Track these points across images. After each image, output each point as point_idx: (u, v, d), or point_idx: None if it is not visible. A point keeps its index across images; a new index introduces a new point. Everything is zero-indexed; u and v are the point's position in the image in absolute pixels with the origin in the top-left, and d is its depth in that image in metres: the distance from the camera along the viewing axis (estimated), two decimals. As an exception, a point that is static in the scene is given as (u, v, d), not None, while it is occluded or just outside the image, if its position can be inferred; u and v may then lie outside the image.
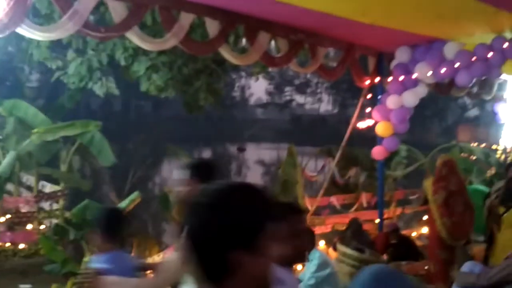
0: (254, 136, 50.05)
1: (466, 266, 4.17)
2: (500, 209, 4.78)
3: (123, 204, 5.12)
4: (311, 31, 5.53)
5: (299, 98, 65.20)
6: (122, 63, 6.39)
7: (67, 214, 6.04)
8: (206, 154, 41.22)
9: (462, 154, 9.05)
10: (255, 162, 35.93)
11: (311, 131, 47.26)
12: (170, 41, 4.38)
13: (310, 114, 64.12)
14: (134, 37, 4.22)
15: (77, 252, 5.70)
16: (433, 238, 5.09)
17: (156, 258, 5.73)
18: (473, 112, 45.89)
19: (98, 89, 6.70)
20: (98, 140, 6.23)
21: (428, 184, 5.08)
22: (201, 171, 3.64)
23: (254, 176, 28.45)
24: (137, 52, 6.30)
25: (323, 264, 4.80)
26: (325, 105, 65.11)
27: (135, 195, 5.09)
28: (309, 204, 7.23)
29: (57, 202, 7.00)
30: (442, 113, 47.50)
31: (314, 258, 4.82)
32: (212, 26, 4.62)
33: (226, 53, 4.77)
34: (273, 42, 5.87)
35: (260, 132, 53.28)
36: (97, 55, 6.46)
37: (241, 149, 42.20)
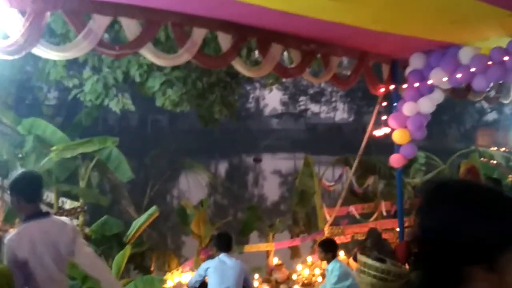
0: (270, 147, 50.06)
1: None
2: None
3: (141, 219, 5.15)
4: (323, 41, 5.52)
5: (314, 107, 65.19)
6: (137, 79, 6.47)
7: (87, 230, 6.09)
8: (223, 166, 41.38)
9: (482, 159, 8.89)
10: (271, 173, 35.91)
11: (327, 140, 47.11)
12: (183, 56, 4.42)
13: (326, 123, 63.98)
14: (148, 54, 4.27)
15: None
16: None
17: (175, 272, 5.74)
18: (491, 116, 45.22)
19: (115, 106, 6.79)
20: (115, 156, 6.30)
21: None
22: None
23: (271, 186, 28.42)
24: (152, 68, 6.38)
25: (344, 275, 4.77)
26: (341, 114, 64.95)
27: (153, 209, 5.12)
28: (328, 214, 7.16)
29: (77, 218, 7.07)
30: (460, 117, 46.87)
31: (334, 269, 4.79)
32: (225, 40, 4.65)
33: (239, 66, 4.79)
34: (285, 53, 5.90)
35: (275, 142, 53.29)
36: (113, 72, 6.56)
37: (258, 160, 42.22)
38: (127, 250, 4.56)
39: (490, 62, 5.35)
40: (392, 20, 4.76)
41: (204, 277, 4.70)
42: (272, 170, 36.35)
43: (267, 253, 6.50)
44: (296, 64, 5.33)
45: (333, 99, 63.10)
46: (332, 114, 65.27)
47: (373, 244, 6.00)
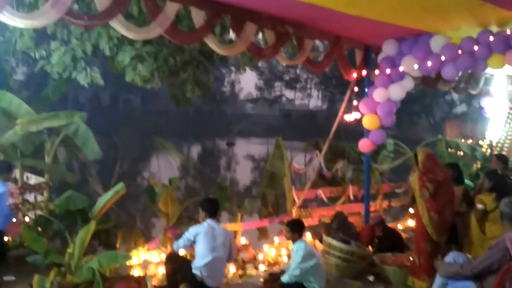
0: (244, 131, 49.98)
1: (450, 257, 4.20)
2: (489, 203, 4.82)
3: (107, 195, 5.07)
4: (298, 23, 5.52)
5: (289, 94, 65.27)
6: (107, 53, 6.31)
7: (51, 206, 5.97)
8: (196, 148, 41.15)
9: (449, 150, 9.11)
10: (244, 157, 35.90)
11: (300, 126, 47.34)
12: (155, 30, 4.34)
13: (300, 109, 64.26)
14: (118, 26, 4.17)
15: (63, 243, 5.66)
16: (419, 232, 5.11)
17: (141, 249, 5.71)
18: (460, 108, 46.37)
19: (83, 79, 6.61)
20: (83, 132, 6.14)
21: (413, 179, 5.06)
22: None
23: (244, 171, 28.45)
24: (122, 41, 6.23)
25: (309, 255, 4.82)
26: (315, 101, 65.28)
27: (119, 186, 5.04)
28: (297, 196, 7.23)
29: (42, 194, 6.91)
30: (430, 109, 47.87)
31: (299, 249, 4.83)
32: (198, 16, 4.58)
33: (212, 43, 4.73)
34: (261, 35, 5.86)
35: (249, 127, 53.22)
36: (81, 45, 6.37)
37: (231, 144, 42.14)
38: (92, 226, 4.49)
39: (460, 51, 5.46)
40: (366, 4, 4.79)
41: (192, 242, 4.67)
42: (245, 155, 36.38)
43: (235, 233, 6.53)
44: (270, 45, 5.31)
45: (308, 86, 63.32)
46: (306, 101, 65.55)
47: (339, 227, 6.11)
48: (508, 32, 5.11)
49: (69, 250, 4.67)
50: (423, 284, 5.01)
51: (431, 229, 4.88)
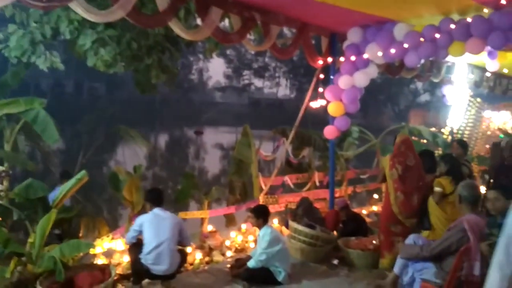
0: (212, 120, 49.74)
1: (410, 238, 4.33)
2: (447, 186, 4.95)
3: (69, 183, 4.94)
4: (265, 9, 5.49)
5: (258, 82, 65.30)
6: (67, 36, 6.10)
7: (11, 195, 5.77)
8: (163, 137, 40.68)
9: (413, 138, 9.33)
10: (213, 146, 35.78)
11: (269, 115, 47.50)
12: (116, 12, 4.22)
13: (268, 98, 64.46)
14: (78, 8, 4.03)
15: (25, 233, 5.50)
16: (384, 210, 5.30)
17: (105, 238, 5.61)
18: (424, 97, 47.63)
19: (42, 64, 6.37)
20: (42, 118, 5.94)
21: (386, 160, 5.26)
22: None
23: (212, 160, 28.35)
24: (83, 25, 6.03)
25: (275, 240, 4.87)
26: (283, 90, 65.58)
27: (82, 174, 4.91)
28: (263, 183, 7.27)
29: (1, 183, 6.68)
30: (395, 98, 48.96)
31: (265, 235, 4.88)
32: (162, 0, 4.48)
33: (176, 27, 4.65)
34: (228, 22, 5.79)
35: (218, 115, 53.03)
36: (40, 28, 6.14)
37: (199, 133, 41.86)
38: (53, 214, 4.37)
39: (422, 39, 5.56)
40: (331, -10, 4.80)
41: (139, 232, 4.65)
42: (214, 144, 36.24)
43: (202, 221, 6.52)
44: (236, 30, 5.26)
45: (277, 74, 63.45)
46: (275, 89, 65.74)
47: (305, 212, 6.17)
48: (469, 20, 5.22)
49: (30, 239, 4.55)
50: (384, 261, 5.18)
51: (396, 208, 5.05)
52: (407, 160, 5.12)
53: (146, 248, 4.54)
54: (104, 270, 4.49)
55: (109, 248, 5.50)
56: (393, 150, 5.30)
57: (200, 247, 5.83)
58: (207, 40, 7.28)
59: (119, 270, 4.89)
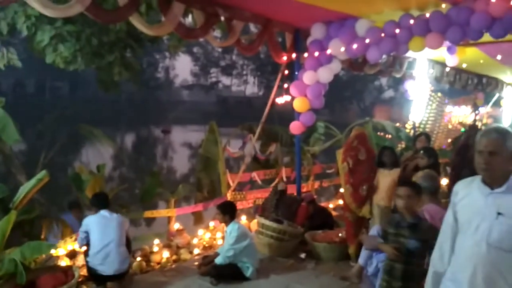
0: (180, 118, 49.24)
1: (374, 230, 4.41)
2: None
3: (30, 184, 4.80)
4: (228, 4, 5.46)
5: (225, 80, 65.21)
6: (24, 32, 5.90)
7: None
8: (130, 137, 39.99)
9: (378, 133, 9.52)
10: (181, 145, 35.45)
11: (237, 112, 47.43)
12: (74, 7, 4.10)
13: (236, 96, 64.41)
14: (34, 3, 3.89)
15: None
16: (344, 202, 5.46)
17: (68, 240, 5.47)
18: (388, 93, 48.77)
19: (-2, 61, 6.16)
20: (0, 118, 5.74)
21: (339, 153, 5.34)
22: None
23: (181, 159, 28.10)
24: (41, 20, 5.85)
25: (242, 236, 4.87)
26: (251, 87, 65.72)
27: (42, 174, 4.77)
28: (231, 180, 7.24)
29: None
30: (360, 94, 49.86)
31: (233, 231, 4.87)
32: (122, -5, 4.39)
33: (137, 22, 4.57)
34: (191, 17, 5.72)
35: (186, 114, 52.52)
36: (-4, 24, 5.93)
37: (166, 131, 41.37)
38: (12, 215, 4.23)
39: (383, 35, 5.67)
40: (294, -15, 4.82)
41: (86, 233, 4.66)
42: (182, 142, 35.91)
43: (169, 219, 6.45)
44: (199, 26, 5.21)
45: (244, 72, 63.54)
46: (243, 87, 65.79)
47: (278, 202, 6.23)
48: (428, 15, 5.36)
49: (-10, 242, 4.38)
50: (350, 250, 5.36)
51: (348, 199, 5.25)
52: (358, 154, 5.28)
53: (93, 249, 4.54)
54: (67, 272, 4.39)
55: (73, 250, 5.37)
56: (346, 144, 5.42)
57: (167, 246, 5.77)
58: (171, 36, 7.19)
59: (83, 272, 4.78)
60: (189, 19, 6.67)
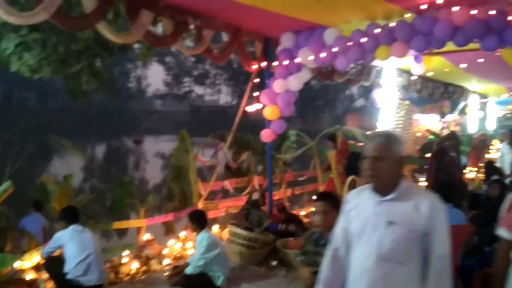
0: (153, 128, 48.74)
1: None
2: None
3: (-7, 195, 4.65)
4: (198, 13, 5.47)
5: (198, 89, 65.06)
6: (-12, 40, 5.77)
7: None
8: (101, 148, 39.30)
9: (350, 141, 9.66)
10: (154, 155, 35.04)
11: (211, 122, 47.28)
12: (40, 15, 4.03)
13: (210, 105, 64.33)
14: (-2, 9, 3.81)
15: None
16: None
17: (34, 253, 5.31)
18: (359, 102, 49.67)
19: (-41, 71, 5.98)
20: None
21: (331, 155, 5.55)
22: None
23: (153, 169, 27.74)
24: (6, 28, 5.72)
25: (212, 245, 4.84)
26: (225, 97, 65.77)
27: (6, 185, 4.64)
28: (203, 189, 7.20)
29: None
30: (332, 103, 50.56)
31: (203, 240, 4.84)
32: (89, 2, 4.34)
33: (104, 30, 4.51)
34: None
35: (158, 124, 52.04)
36: (-43, 32, 5.76)
37: (138, 142, 40.84)
38: (-27, 228, 4.10)
39: (350, 43, 5.78)
40: (262, -6, 4.87)
41: (58, 248, 4.61)
42: (155, 153, 35.51)
43: (139, 230, 6.34)
44: (168, 34, 5.20)
45: (218, 82, 63.51)
46: (216, 96, 65.73)
47: (253, 207, 6.24)
48: (393, 25, 5.49)
49: None
50: None
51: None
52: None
53: (72, 263, 4.49)
54: (32, 285, 4.28)
55: (39, 262, 5.21)
56: (338, 148, 5.68)
57: (137, 257, 5.67)
58: (142, 45, 7.15)
59: (49, 285, 4.65)
60: (159, 28, 6.64)
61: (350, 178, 5.68)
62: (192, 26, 5.48)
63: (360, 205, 2.28)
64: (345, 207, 2.36)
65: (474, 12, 4.91)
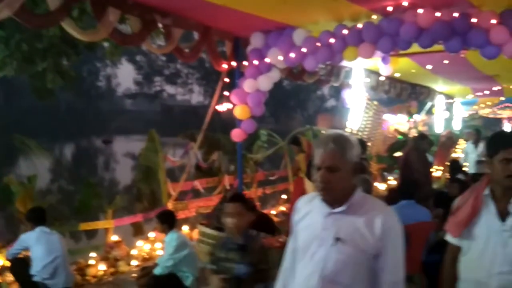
0: (123, 128, 48.04)
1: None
2: None
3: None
4: (166, 11, 5.41)
5: (170, 89, 64.43)
6: None
7: None
8: (69, 148, 38.48)
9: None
10: (124, 155, 34.56)
11: (183, 122, 46.91)
12: (2, 12, 3.90)
13: (182, 105, 63.82)
14: (-45, 5, 3.68)
15: None
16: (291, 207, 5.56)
17: (-2, 256, 5.16)
18: (330, 103, 50.27)
19: None
20: None
21: (301, 159, 5.54)
22: None
23: (123, 170, 27.34)
24: (-33, 26, 5.54)
25: (182, 245, 4.81)
26: (197, 96, 65.35)
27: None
28: (172, 189, 7.15)
29: None
30: (304, 103, 50.98)
31: (172, 240, 4.80)
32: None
33: (70, 28, 4.42)
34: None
35: (129, 123, 51.33)
36: None
37: (108, 142, 40.18)
38: None
39: (319, 44, 5.83)
40: (231, -7, 4.86)
41: (24, 249, 4.55)
42: (125, 153, 35.03)
43: (106, 231, 6.25)
44: (136, 32, 5.12)
45: (190, 81, 63.04)
46: (188, 96, 65.26)
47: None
48: (360, 26, 5.57)
49: None
50: None
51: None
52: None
53: (38, 265, 4.41)
54: (-6, 289, 4.14)
55: (3, 266, 5.07)
56: (306, 151, 5.67)
57: (105, 259, 5.59)
58: (110, 43, 7.03)
59: (13, 288, 4.53)
60: (127, 26, 6.55)
61: None
62: (160, 25, 5.42)
63: (310, 216, 2.01)
64: (294, 216, 2.09)
65: (438, 14, 5.02)
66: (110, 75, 60.98)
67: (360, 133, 9.88)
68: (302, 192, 5.71)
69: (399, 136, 12.04)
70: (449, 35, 5.06)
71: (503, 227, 2.28)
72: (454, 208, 2.50)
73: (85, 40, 5.11)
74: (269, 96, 6.83)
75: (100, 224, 6.19)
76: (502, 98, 15.30)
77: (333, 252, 1.86)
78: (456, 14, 4.99)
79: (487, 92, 13.21)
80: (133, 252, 5.94)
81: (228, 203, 3.10)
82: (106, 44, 7.43)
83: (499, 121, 19.69)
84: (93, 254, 5.59)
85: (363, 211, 1.90)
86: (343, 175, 1.88)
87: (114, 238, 6.12)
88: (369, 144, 10.02)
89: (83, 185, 6.57)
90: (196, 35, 6.32)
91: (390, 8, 5.23)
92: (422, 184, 6.39)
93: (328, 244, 1.88)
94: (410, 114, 13.41)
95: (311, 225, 1.97)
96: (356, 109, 9.58)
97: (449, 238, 2.53)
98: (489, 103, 16.83)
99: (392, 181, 10.14)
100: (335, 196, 1.92)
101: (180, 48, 5.89)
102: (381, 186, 9.83)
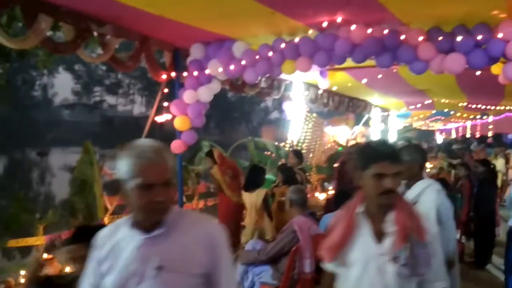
0: (60, 140, 46.04)
1: (250, 244, 4.52)
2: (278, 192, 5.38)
3: None
4: (102, 19, 5.29)
5: (111, 99, 62.75)
6: None
7: None
8: (1, 161, 36.31)
9: (266, 153, 9.88)
10: (61, 168, 33.12)
11: (124, 133, 45.72)
12: None
13: (123, 115, 62.27)
14: None
15: None
16: (223, 214, 5.62)
17: None
18: (274, 115, 51.08)
19: None
20: None
21: (215, 171, 5.51)
22: None
23: (60, 183, 26.18)
24: None
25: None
26: (139, 107, 64.08)
27: None
28: (109, 203, 6.91)
29: None
30: (248, 115, 51.42)
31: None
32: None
33: (-4, 34, 4.20)
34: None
35: (66, 134, 49.28)
36: None
37: (42, 154, 38.35)
38: None
39: (258, 57, 5.92)
40: (168, 5, 4.83)
41: None
42: (62, 165, 33.57)
43: (37, 248, 5.93)
44: (69, 40, 4.96)
45: (131, 91, 61.75)
46: (129, 107, 63.78)
47: None
48: (297, 40, 5.72)
49: None
50: None
51: (236, 198, 5.59)
52: (230, 165, 5.85)
53: None
54: None
55: None
56: (217, 162, 6.23)
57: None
58: (42, 51, 6.75)
59: None
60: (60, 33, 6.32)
61: (260, 191, 5.73)
62: (96, 33, 5.28)
63: (116, 252, 1.69)
64: (94, 254, 1.76)
65: (370, 31, 5.26)
66: (47, 84, 58.46)
67: (300, 145, 10.09)
68: (227, 209, 5.82)
69: (339, 148, 12.42)
70: (380, 51, 5.32)
71: (379, 250, 2.03)
72: (328, 230, 2.24)
73: (14, 48, 4.87)
74: (214, 107, 6.84)
75: (30, 241, 5.86)
76: (434, 111, 16.21)
77: (157, 285, 1.61)
78: (386, 31, 5.25)
79: (419, 105, 13.94)
80: (67, 269, 5.65)
81: (68, 245, 2.41)
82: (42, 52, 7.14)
83: (431, 132, 20.87)
84: (23, 272, 5.28)
85: (185, 229, 1.68)
86: (173, 189, 1.69)
87: (46, 255, 5.81)
88: (310, 155, 10.26)
89: (12, 199, 6.20)
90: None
91: (325, 24, 5.41)
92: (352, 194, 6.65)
93: (149, 278, 1.62)
94: (351, 126, 13.90)
95: (120, 262, 1.67)
96: (296, 121, 9.78)
97: (324, 264, 2.25)
98: (422, 116, 17.80)
99: (332, 191, 10.40)
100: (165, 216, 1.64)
101: (116, 58, 5.76)
102: (321, 196, 10.06)
